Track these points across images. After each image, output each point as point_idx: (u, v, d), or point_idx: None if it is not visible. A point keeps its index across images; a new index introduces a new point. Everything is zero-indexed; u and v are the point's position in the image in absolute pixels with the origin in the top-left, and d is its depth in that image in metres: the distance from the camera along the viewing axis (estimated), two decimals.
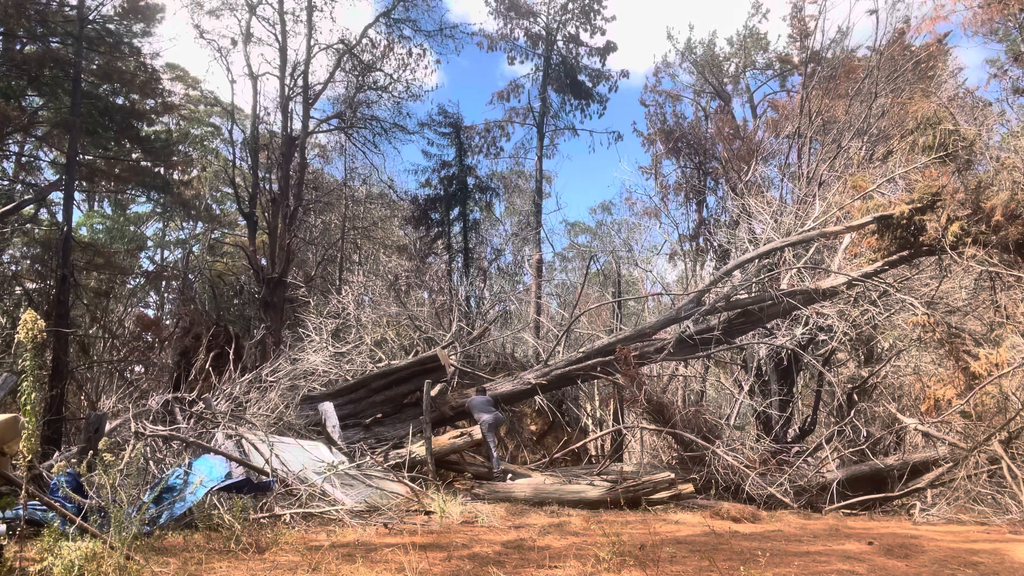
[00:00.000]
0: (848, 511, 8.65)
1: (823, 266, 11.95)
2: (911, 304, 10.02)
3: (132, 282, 22.20)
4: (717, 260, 23.86)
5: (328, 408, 10.02)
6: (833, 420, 12.59)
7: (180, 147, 21.12)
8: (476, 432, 10.28)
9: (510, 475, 9.95)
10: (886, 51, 16.76)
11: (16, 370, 8.52)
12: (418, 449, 9.77)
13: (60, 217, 16.53)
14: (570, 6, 23.54)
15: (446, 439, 10.39)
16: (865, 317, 10.88)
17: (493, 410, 10.73)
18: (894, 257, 10.59)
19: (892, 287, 10.50)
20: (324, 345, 12.82)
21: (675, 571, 4.71)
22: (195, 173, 23.16)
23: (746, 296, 11.36)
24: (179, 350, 13.14)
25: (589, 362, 11.35)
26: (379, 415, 11.20)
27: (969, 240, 9.53)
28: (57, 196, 17.21)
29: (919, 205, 10.10)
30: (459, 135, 24.34)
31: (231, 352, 10.52)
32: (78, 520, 4.50)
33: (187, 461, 6.85)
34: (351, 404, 11.05)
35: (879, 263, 10.68)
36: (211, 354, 11.21)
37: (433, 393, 10.71)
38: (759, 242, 12.68)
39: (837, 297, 10.99)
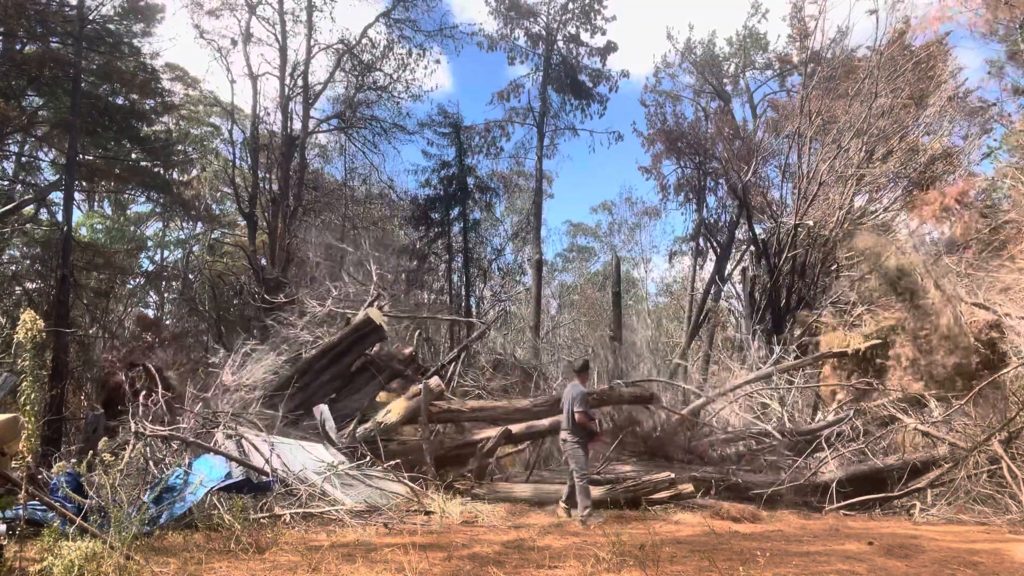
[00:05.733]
0: (848, 511, 8.64)
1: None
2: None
3: (132, 282, 22.20)
4: (717, 261, 23.89)
5: (324, 410, 9.99)
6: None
7: (180, 147, 21.10)
8: (433, 382, 9.95)
9: (595, 519, 7.21)
10: (886, 51, 16.75)
11: (16, 370, 8.51)
12: (384, 417, 9.76)
13: (60, 217, 16.55)
14: (570, 6, 23.53)
15: (404, 401, 10.12)
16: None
17: (564, 427, 7.54)
18: (859, 406, 11.02)
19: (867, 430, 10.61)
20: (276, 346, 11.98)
21: (675, 571, 4.71)
22: (195, 173, 23.15)
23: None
24: (103, 400, 12.07)
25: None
26: (333, 395, 10.88)
27: (919, 373, 10.62)
28: (57, 196, 17.23)
29: (873, 343, 11.53)
30: (459, 135, 24.33)
31: (159, 389, 9.51)
32: (78, 520, 4.50)
33: (187, 461, 6.85)
34: (301, 392, 10.62)
35: (848, 411, 10.92)
36: (140, 394, 10.02)
37: (376, 350, 10.44)
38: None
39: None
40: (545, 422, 10.17)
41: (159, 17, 17.04)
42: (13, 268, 17.92)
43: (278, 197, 19.32)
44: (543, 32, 23.69)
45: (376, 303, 12.75)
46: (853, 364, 12.14)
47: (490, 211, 26.66)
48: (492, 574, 4.51)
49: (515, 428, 10.07)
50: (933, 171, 17.04)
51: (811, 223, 16.53)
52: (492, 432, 9.76)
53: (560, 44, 23.92)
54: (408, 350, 11.93)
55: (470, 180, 24.64)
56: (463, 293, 24.32)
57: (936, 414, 9.68)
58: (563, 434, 7.68)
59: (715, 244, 24.42)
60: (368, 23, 21.76)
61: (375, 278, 14.21)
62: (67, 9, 15.31)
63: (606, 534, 6.01)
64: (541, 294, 24.07)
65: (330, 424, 9.53)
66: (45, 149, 18.74)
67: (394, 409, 10.22)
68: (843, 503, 8.73)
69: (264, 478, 7.01)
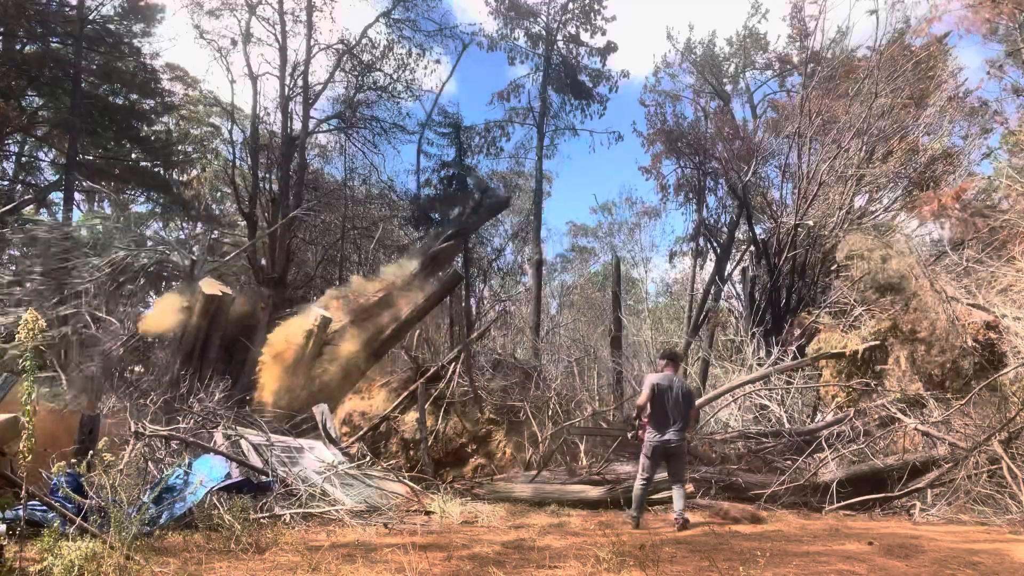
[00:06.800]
0: (848, 511, 8.64)
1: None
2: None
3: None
4: (716, 262, 23.89)
5: (324, 409, 10.01)
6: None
7: (180, 147, 21.10)
8: (317, 314, 10.11)
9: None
10: (886, 51, 16.77)
11: (16, 370, 8.51)
12: None
13: (60, 217, 16.53)
14: (570, 6, 23.52)
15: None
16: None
17: (676, 425, 6.82)
18: (859, 406, 11.14)
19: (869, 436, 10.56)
20: None
21: (675, 571, 4.71)
22: (195, 173, 23.14)
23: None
24: None
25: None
26: (230, 389, 10.26)
27: (917, 373, 10.72)
28: (57, 196, 17.24)
29: (870, 344, 11.77)
30: (459, 135, 24.32)
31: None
32: (78, 520, 4.50)
33: (187, 461, 6.85)
34: (222, 392, 9.79)
35: (847, 411, 11.09)
36: None
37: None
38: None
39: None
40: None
41: (159, 17, 17.09)
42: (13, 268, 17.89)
43: (278, 197, 19.32)
44: (543, 32, 23.69)
45: (196, 270, 12.07)
46: (852, 365, 12.20)
47: None
48: (492, 574, 4.51)
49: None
50: (933, 171, 17.06)
51: (811, 223, 16.54)
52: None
53: (560, 44, 23.93)
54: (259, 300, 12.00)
55: (470, 180, 24.63)
56: (463, 293, 24.31)
57: (936, 414, 9.68)
58: (673, 434, 6.84)
59: (715, 244, 24.43)
60: (368, 23, 21.80)
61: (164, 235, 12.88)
62: (67, 9, 15.33)
63: (606, 534, 6.01)
64: (541, 294, 24.06)
65: (330, 423, 9.54)
66: (45, 149, 18.75)
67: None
68: (843, 503, 8.73)
69: (264, 478, 7.01)
